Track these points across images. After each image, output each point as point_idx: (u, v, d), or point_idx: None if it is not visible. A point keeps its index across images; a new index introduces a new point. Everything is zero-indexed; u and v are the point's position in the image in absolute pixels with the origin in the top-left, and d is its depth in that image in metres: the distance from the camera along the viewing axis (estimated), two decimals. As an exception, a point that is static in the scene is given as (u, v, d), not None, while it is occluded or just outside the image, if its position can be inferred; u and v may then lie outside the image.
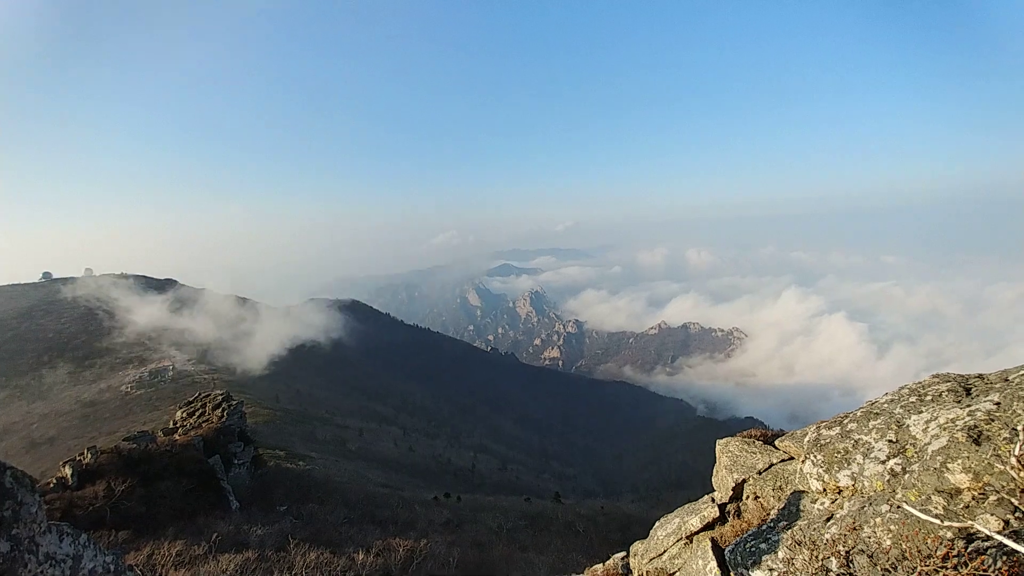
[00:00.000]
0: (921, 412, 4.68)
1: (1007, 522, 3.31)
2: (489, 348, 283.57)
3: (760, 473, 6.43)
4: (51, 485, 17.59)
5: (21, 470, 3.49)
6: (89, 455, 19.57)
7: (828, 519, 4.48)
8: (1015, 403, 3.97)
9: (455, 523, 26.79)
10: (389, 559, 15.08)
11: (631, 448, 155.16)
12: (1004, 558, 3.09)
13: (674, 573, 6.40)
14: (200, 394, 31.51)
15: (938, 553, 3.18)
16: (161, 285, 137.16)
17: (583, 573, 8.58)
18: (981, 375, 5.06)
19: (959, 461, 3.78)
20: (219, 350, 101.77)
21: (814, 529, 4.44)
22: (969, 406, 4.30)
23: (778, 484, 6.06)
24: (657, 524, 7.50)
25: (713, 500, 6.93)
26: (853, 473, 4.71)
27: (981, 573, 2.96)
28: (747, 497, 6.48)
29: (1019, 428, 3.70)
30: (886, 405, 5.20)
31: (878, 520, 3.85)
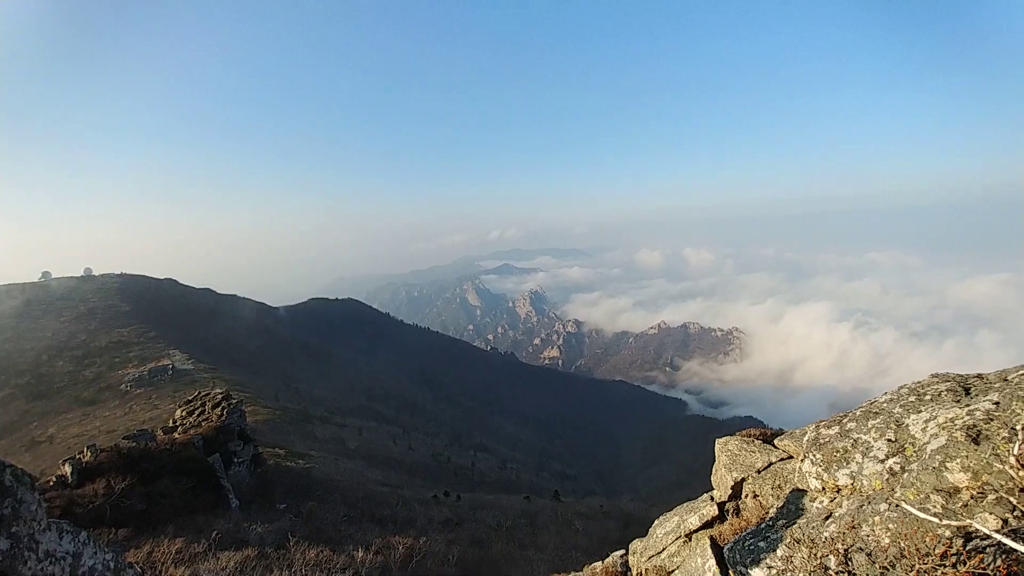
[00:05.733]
0: (920, 411, 4.69)
1: (1005, 521, 3.31)
2: (489, 348, 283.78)
3: (759, 472, 6.43)
4: (51, 483, 17.58)
5: (21, 468, 3.49)
6: (89, 453, 19.57)
7: (827, 517, 4.49)
8: (1014, 403, 3.97)
9: (454, 521, 26.81)
10: (388, 557, 15.11)
11: (630, 447, 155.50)
12: (1003, 556, 3.09)
13: (673, 571, 6.40)
14: (200, 393, 31.43)
15: (936, 551, 3.19)
16: (161, 285, 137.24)
17: (582, 571, 8.58)
18: (980, 375, 5.06)
19: (958, 460, 3.78)
20: (221, 349, 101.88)
21: (813, 527, 4.45)
22: (968, 405, 4.30)
23: (777, 483, 6.06)
24: (656, 522, 7.50)
25: (712, 499, 6.94)
26: (852, 472, 4.72)
27: (979, 571, 2.96)
28: (746, 496, 6.49)
29: (1018, 427, 3.70)
30: (885, 404, 5.21)
31: (877, 519, 3.86)
